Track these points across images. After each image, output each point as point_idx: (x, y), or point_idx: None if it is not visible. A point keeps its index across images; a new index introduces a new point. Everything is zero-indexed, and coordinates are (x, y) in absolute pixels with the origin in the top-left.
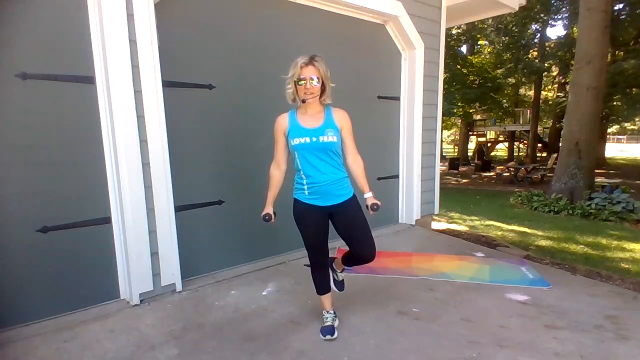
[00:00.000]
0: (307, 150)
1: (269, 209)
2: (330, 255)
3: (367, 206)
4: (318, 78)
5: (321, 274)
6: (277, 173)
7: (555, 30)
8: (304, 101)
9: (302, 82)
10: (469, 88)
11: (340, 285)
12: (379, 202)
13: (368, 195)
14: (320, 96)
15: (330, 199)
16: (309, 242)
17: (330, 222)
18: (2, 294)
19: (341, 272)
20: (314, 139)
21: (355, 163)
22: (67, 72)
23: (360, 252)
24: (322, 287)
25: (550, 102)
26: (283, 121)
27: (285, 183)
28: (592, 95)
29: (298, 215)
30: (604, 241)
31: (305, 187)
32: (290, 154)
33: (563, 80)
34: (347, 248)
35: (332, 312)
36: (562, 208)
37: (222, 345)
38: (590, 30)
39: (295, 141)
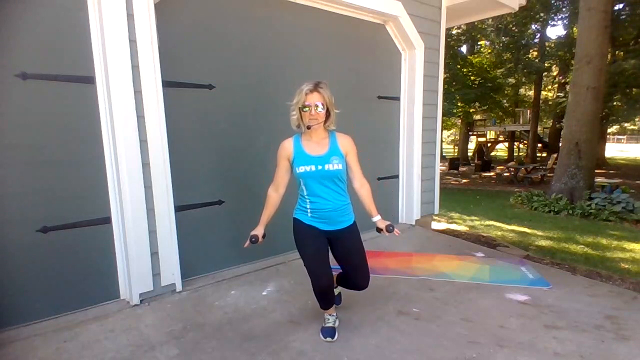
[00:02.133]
0: (312, 179)
1: (259, 230)
2: None
3: (379, 229)
4: (323, 104)
5: (325, 296)
6: (274, 196)
7: (555, 30)
8: (308, 127)
9: (307, 108)
10: (469, 88)
11: (337, 299)
12: (391, 223)
13: (377, 218)
14: (325, 122)
15: (332, 224)
16: (311, 264)
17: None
18: (2, 294)
19: (335, 287)
20: (320, 167)
21: (363, 188)
22: (67, 72)
23: (355, 280)
24: (325, 305)
25: (550, 102)
26: (288, 146)
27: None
28: (592, 95)
29: (298, 234)
30: (604, 241)
31: (308, 210)
32: (290, 177)
33: (563, 80)
34: None
35: (334, 314)
36: (562, 208)
37: (222, 345)
38: (590, 30)
39: (301, 169)
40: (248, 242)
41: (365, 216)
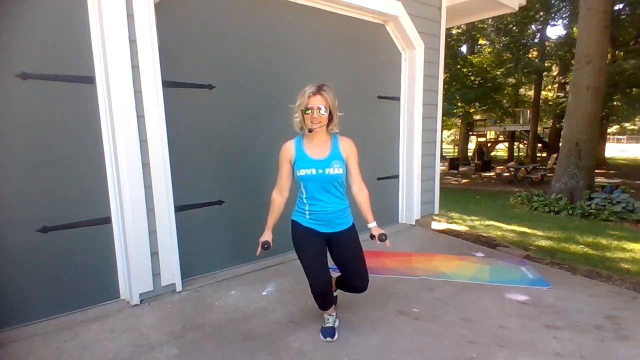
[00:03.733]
0: (312, 182)
1: (268, 235)
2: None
3: (372, 236)
4: (325, 107)
5: (323, 299)
6: (279, 199)
7: (555, 30)
8: (310, 130)
9: (309, 111)
10: (469, 88)
11: (333, 299)
12: (385, 232)
13: (373, 225)
14: (328, 125)
15: (330, 226)
16: (309, 267)
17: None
18: (2, 294)
19: (334, 290)
20: (320, 171)
21: (361, 192)
22: (67, 72)
23: (353, 282)
24: (324, 306)
25: (550, 102)
26: (289, 149)
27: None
28: (592, 95)
29: (297, 237)
30: (604, 241)
31: (307, 212)
32: (293, 179)
33: (563, 80)
34: None
35: (333, 314)
36: (562, 208)
37: (222, 345)
38: (590, 30)
39: (302, 172)
40: (260, 249)
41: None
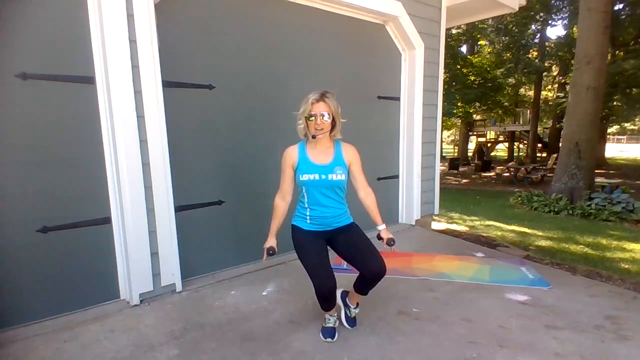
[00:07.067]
0: (315, 187)
1: (272, 241)
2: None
3: (380, 238)
4: (329, 114)
5: (328, 299)
6: (282, 205)
7: (555, 30)
8: (314, 137)
9: (313, 118)
10: (469, 88)
11: (352, 321)
12: (393, 237)
13: (382, 227)
14: (331, 131)
15: (330, 226)
16: (312, 267)
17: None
18: (2, 294)
19: (355, 307)
20: (323, 177)
21: (368, 197)
22: (67, 72)
23: (369, 268)
24: (327, 307)
25: (550, 102)
26: (292, 154)
27: None
28: (592, 95)
29: (298, 240)
30: (604, 241)
31: (308, 217)
32: (296, 184)
33: (563, 80)
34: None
35: (334, 314)
36: (562, 208)
37: (222, 345)
38: (590, 30)
39: (304, 177)
40: (265, 255)
41: (365, 216)
